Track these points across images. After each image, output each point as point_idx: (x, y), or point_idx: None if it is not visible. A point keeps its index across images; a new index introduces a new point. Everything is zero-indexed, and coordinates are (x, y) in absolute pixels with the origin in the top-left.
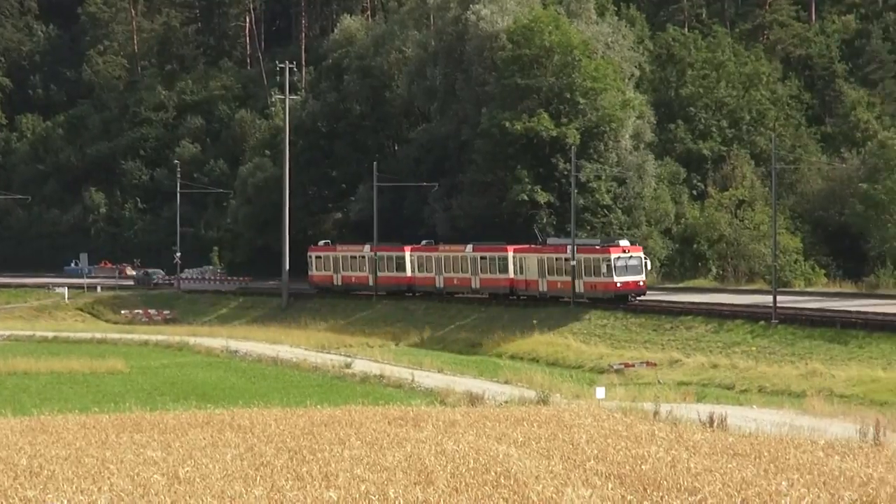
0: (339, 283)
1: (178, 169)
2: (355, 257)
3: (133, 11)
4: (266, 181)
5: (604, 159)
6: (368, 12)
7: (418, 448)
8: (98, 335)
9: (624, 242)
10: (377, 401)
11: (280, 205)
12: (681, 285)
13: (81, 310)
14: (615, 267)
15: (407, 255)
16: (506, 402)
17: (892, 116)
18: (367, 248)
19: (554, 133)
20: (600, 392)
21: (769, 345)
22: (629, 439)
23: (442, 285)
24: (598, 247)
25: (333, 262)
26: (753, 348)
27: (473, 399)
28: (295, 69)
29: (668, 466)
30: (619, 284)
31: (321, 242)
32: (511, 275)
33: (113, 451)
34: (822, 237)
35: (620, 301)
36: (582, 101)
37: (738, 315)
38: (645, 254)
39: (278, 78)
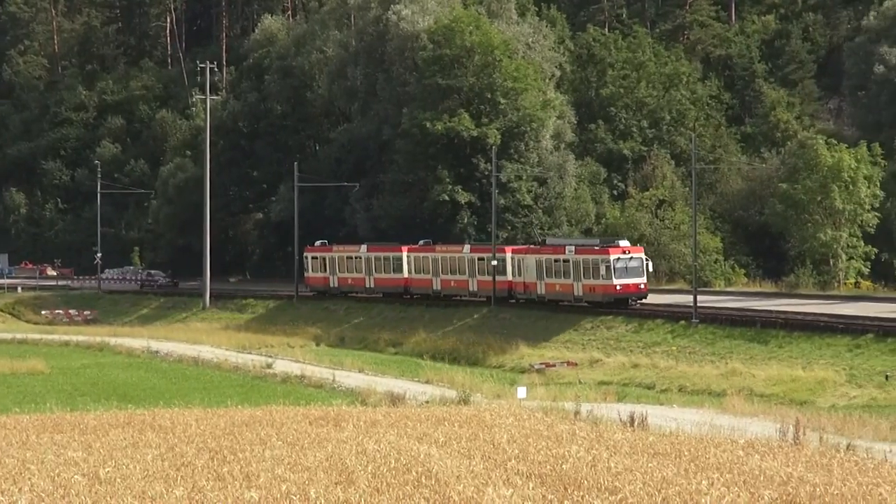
0: (336, 285)
1: (99, 169)
2: (351, 258)
3: (53, 11)
4: (187, 181)
5: (524, 159)
6: (289, 12)
7: (339, 448)
8: (18, 336)
9: (624, 243)
10: (298, 401)
11: (201, 205)
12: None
13: (2, 310)
14: (614, 269)
15: (404, 255)
16: (427, 402)
17: (811, 116)
18: (363, 248)
19: (475, 133)
20: (521, 392)
21: (689, 344)
22: (550, 439)
23: (439, 288)
24: (596, 247)
25: (329, 263)
26: (674, 348)
27: (394, 399)
28: (216, 69)
29: (588, 466)
30: (618, 287)
31: (318, 242)
32: (509, 277)
33: (33, 452)
34: (742, 237)
35: (620, 305)
36: (503, 101)
37: (658, 315)
38: (646, 255)
39: (199, 78)
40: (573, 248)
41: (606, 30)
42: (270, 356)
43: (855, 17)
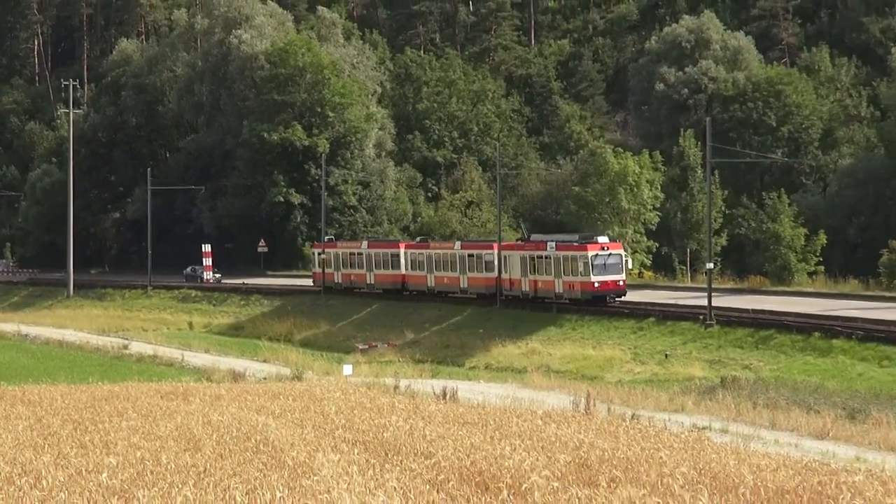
0: (340, 281)
1: None
2: (353, 254)
3: None
4: (53, 185)
5: (350, 165)
6: (143, 36)
7: (187, 419)
8: None
9: (603, 239)
10: (151, 378)
11: (65, 206)
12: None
13: None
14: (593, 265)
15: (401, 252)
16: (265, 378)
17: (600, 128)
18: (364, 244)
19: (306, 142)
20: (347, 369)
21: (495, 327)
22: (373, 410)
23: (433, 284)
24: (575, 244)
25: (334, 259)
26: (481, 330)
27: (236, 376)
28: (78, 86)
29: (406, 434)
30: (596, 284)
31: (325, 238)
32: (496, 274)
33: None
34: (540, 232)
35: (598, 303)
36: (331, 114)
37: (468, 301)
38: (626, 250)
39: (63, 94)
40: (554, 244)
41: (422, 52)
42: (126, 339)
43: (639, 42)
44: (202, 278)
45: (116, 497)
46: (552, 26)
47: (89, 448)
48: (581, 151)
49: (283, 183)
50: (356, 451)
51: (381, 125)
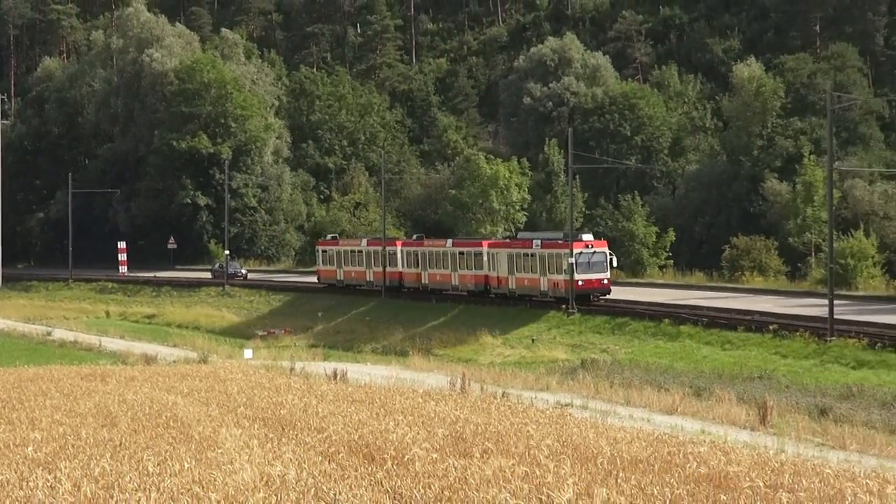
0: (342, 278)
1: None
2: (354, 252)
3: None
4: None
5: (251, 171)
6: (64, 54)
7: (105, 398)
8: None
9: (587, 237)
10: (72, 361)
11: None
12: (312, 269)
13: None
14: (577, 263)
15: (398, 250)
16: (174, 361)
17: (474, 137)
18: (363, 242)
19: (211, 150)
20: (248, 353)
21: (380, 313)
22: (271, 389)
23: (427, 281)
24: (560, 241)
25: (336, 256)
26: (367, 318)
27: (148, 359)
28: (6, 100)
29: (301, 410)
30: (580, 283)
31: (328, 236)
32: (486, 271)
33: None
34: (422, 231)
35: (582, 301)
36: (233, 125)
37: (354, 292)
38: (610, 249)
39: None
40: (539, 241)
41: (315, 69)
42: (50, 326)
43: (508, 60)
44: (233, 274)
45: (41, 468)
46: (431, 46)
47: (16, 424)
48: (457, 158)
49: (190, 186)
50: (256, 426)
51: (278, 135)
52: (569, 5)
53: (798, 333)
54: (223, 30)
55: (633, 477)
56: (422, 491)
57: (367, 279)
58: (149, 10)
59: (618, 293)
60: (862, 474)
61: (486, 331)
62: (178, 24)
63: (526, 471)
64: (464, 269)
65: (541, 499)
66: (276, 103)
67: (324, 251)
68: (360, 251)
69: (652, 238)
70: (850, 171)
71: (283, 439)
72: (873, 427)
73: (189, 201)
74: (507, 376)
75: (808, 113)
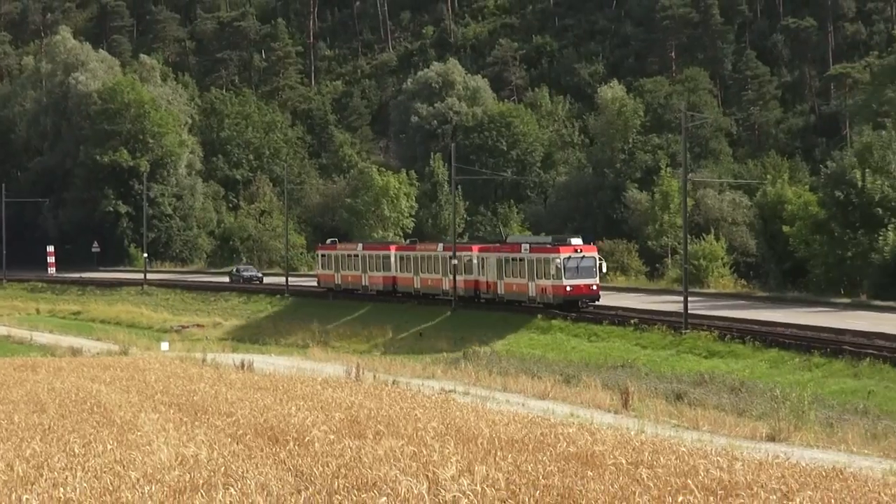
0: (340, 282)
1: None
2: (350, 256)
3: None
4: None
5: (166, 182)
6: None
7: (35, 387)
8: None
9: (576, 241)
10: (5, 354)
11: None
12: (222, 269)
13: None
14: (565, 268)
15: (392, 254)
16: (98, 353)
17: (367, 152)
18: (359, 246)
19: (131, 163)
20: (164, 345)
21: (282, 311)
22: (185, 378)
23: (419, 286)
24: (548, 245)
25: (334, 260)
26: (272, 313)
27: (75, 352)
28: None
29: (212, 397)
30: (568, 288)
31: (328, 241)
32: (476, 276)
33: None
34: (320, 236)
35: (570, 307)
36: (151, 140)
37: (261, 290)
38: (600, 255)
39: None
40: (528, 245)
41: (224, 91)
42: None
43: (398, 83)
44: (245, 278)
45: None
46: (328, 70)
47: None
48: (352, 170)
49: (112, 196)
50: (172, 411)
51: (191, 149)
52: (451, 34)
53: (656, 327)
54: (141, 55)
55: (509, 455)
56: (321, 469)
57: (363, 283)
58: (74, 38)
59: None
60: (713, 452)
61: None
62: (100, 50)
63: (414, 450)
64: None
65: (427, 475)
66: (190, 121)
67: (323, 255)
68: (356, 255)
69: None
70: (702, 181)
71: (196, 423)
72: (723, 410)
73: (111, 209)
74: (398, 366)
75: (665, 130)
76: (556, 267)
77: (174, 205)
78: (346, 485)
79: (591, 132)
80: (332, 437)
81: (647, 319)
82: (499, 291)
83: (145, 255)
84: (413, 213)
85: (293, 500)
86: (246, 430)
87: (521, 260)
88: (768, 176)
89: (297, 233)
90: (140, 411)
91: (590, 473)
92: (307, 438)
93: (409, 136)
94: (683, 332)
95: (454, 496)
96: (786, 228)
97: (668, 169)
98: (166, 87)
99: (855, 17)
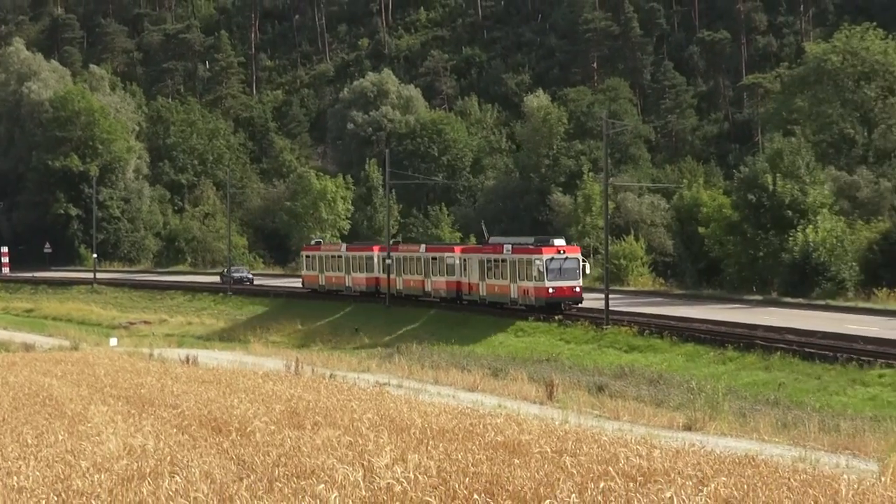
0: (324, 284)
1: None
2: (334, 257)
3: None
4: None
5: (115, 186)
6: None
7: None
8: None
9: (559, 241)
10: None
11: None
12: (170, 269)
13: None
14: (547, 269)
15: (374, 255)
16: (49, 349)
17: (306, 157)
18: (343, 247)
19: (81, 168)
20: (113, 341)
21: (225, 308)
22: (133, 372)
23: (402, 287)
24: (530, 246)
25: (319, 262)
26: (215, 311)
27: (27, 347)
28: None
29: (158, 390)
30: (551, 290)
31: (313, 241)
32: (458, 277)
33: None
34: (261, 237)
35: (552, 310)
36: (100, 147)
37: (204, 289)
38: (583, 256)
39: None
40: (510, 246)
41: (170, 99)
42: None
43: (335, 92)
44: (235, 279)
45: None
46: (269, 80)
47: None
48: (291, 175)
49: (63, 199)
50: (120, 403)
51: (139, 155)
52: (386, 46)
53: (579, 323)
54: (91, 66)
55: (441, 445)
56: (262, 457)
57: (347, 284)
58: (27, 49)
59: None
60: (633, 441)
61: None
62: (52, 60)
63: (350, 440)
64: (437, 275)
65: (363, 464)
66: (137, 128)
67: (307, 256)
68: (339, 256)
69: (456, 242)
70: (623, 185)
71: (144, 415)
72: (642, 401)
73: (62, 212)
74: (335, 360)
75: (587, 137)
76: (539, 268)
77: (122, 208)
78: (286, 473)
79: (517, 139)
80: (272, 427)
81: (570, 316)
82: (481, 293)
83: (95, 255)
84: (349, 215)
85: (236, 488)
86: (191, 422)
87: (503, 261)
88: (685, 180)
89: (239, 234)
90: (90, 404)
91: (517, 461)
92: (249, 429)
93: (345, 142)
94: (605, 327)
95: (388, 483)
96: (701, 230)
97: (591, 173)
98: (115, 95)
99: (766, 31)
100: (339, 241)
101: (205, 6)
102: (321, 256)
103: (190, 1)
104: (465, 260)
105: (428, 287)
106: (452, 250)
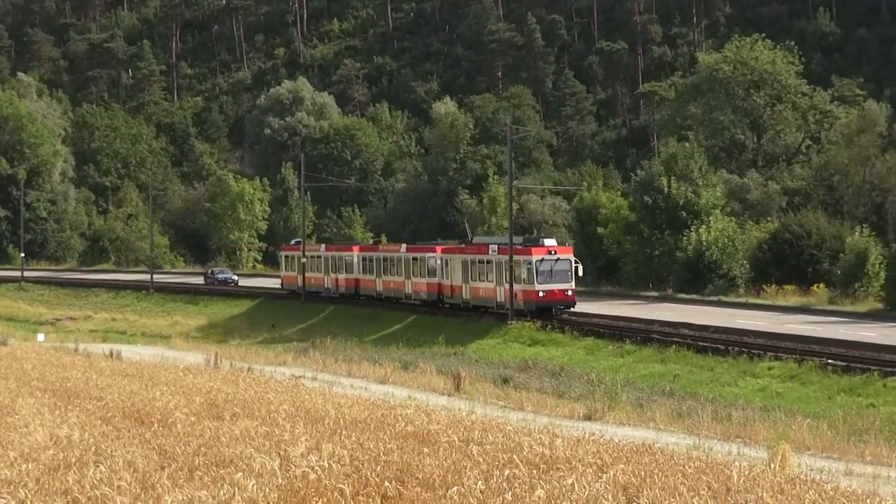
0: (303, 285)
1: None
2: (314, 258)
3: None
4: None
5: (42, 188)
6: None
7: None
8: None
9: (550, 242)
10: None
11: None
12: (95, 268)
13: None
14: (537, 271)
15: (354, 255)
16: None
17: (225, 161)
18: (322, 247)
19: (9, 171)
20: (41, 337)
21: (148, 305)
22: (59, 366)
23: (381, 289)
24: (518, 246)
25: (298, 262)
26: (138, 307)
27: None
28: None
29: (83, 383)
30: (541, 293)
31: (293, 241)
32: (439, 279)
33: None
34: (182, 237)
35: (543, 314)
36: (28, 151)
37: (128, 287)
38: (576, 258)
39: None
40: (496, 246)
41: (95, 106)
42: None
43: (252, 99)
44: (219, 280)
45: None
46: (189, 87)
47: None
48: (210, 178)
49: None
50: (47, 396)
51: (65, 159)
52: (301, 55)
53: (485, 318)
54: (19, 73)
55: (353, 434)
56: (183, 447)
57: (325, 286)
58: None
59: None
60: (536, 430)
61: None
62: None
63: (267, 430)
64: (417, 277)
65: (279, 453)
66: (63, 133)
67: (286, 257)
68: (319, 256)
69: (368, 241)
70: (526, 188)
71: (69, 407)
72: (545, 392)
73: None
74: (252, 354)
75: (493, 142)
76: (528, 270)
77: (49, 209)
78: (206, 462)
79: (426, 143)
80: (192, 418)
81: (477, 311)
82: (464, 296)
83: (22, 254)
84: (266, 216)
85: (158, 476)
86: (115, 413)
87: (488, 262)
88: (585, 183)
89: (160, 234)
90: (17, 396)
91: (426, 450)
92: (170, 420)
93: (262, 146)
94: (509, 322)
95: (303, 471)
96: (600, 230)
97: (496, 176)
98: (42, 102)
99: (662, 41)
100: (258, 241)
101: (128, 17)
102: (301, 257)
103: (114, 11)
104: (446, 261)
105: (408, 289)
106: (434, 250)
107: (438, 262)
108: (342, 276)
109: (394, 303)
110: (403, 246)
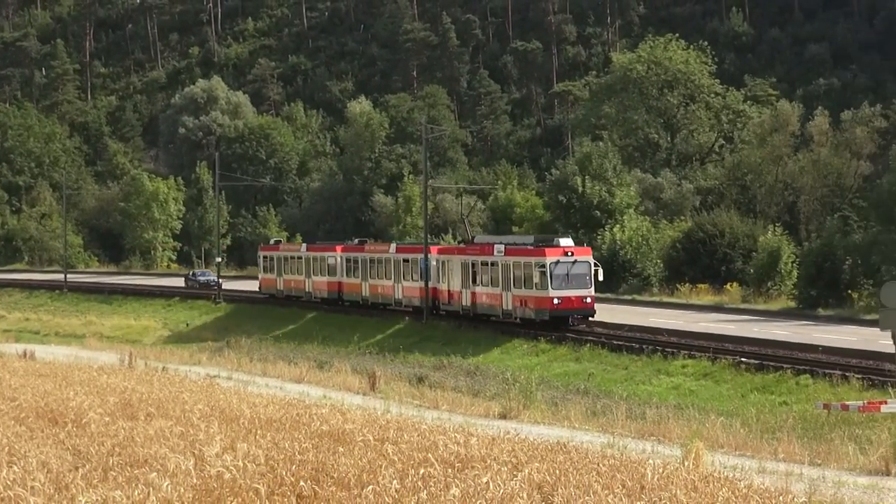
0: (282, 288)
1: None
2: (293, 258)
3: None
4: None
5: None
6: None
7: None
8: None
9: (566, 241)
10: None
11: None
12: (8, 267)
13: None
14: (552, 275)
15: (337, 256)
16: None
17: (140, 160)
18: (303, 247)
19: None
20: None
21: (62, 305)
22: None
23: (367, 294)
24: (530, 247)
25: (276, 263)
26: (52, 307)
27: None
28: None
29: None
30: (556, 301)
31: (272, 241)
32: (435, 283)
33: None
34: (96, 237)
35: (558, 324)
36: None
37: (42, 286)
38: (595, 260)
39: None
40: (503, 247)
41: (8, 105)
42: None
43: (167, 98)
44: (201, 283)
45: None
46: (103, 86)
47: None
48: (125, 177)
49: None
50: None
51: None
52: (215, 54)
53: (401, 318)
54: None
55: (268, 434)
56: (97, 447)
57: (307, 289)
58: None
59: (236, 285)
60: (451, 429)
61: None
62: None
63: (182, 430)
64: (408, 280)
65: (194, 453)
66: None
67: (265, 257)
68: (299, 257)
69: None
70: (441, 187)
71: None
72: (460, 391)
73: None
74: (167, 354)
75: (408, 141)
76: (541, 274)
77: None
78: (121, 462)
79: (341, 143)
80: (107, 418)
81: (393, 311)
82: (464, 303)
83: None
84: (181, 215)
85: (72, 477)
86: (28, 414)
87: (492, 264)
88: (499, 182)
89: (74, 234)
90: None
91: (341, 449)
92: (84, 420)
93: (176, 146)
94: (425, 321)
95: (218, 471)
96: (515, 229)
97: (411, 175)
98: None
99: (576, 41)
100: (172, 240)
101: (41, 15)
102: (280, 258)
103: (27, 10)
104: (443, 263)
105: (398, 294)
106: (429, 251)
107: (433, 263)
108: (324, 279)
109: (381, 308)
110: (393, 245)
